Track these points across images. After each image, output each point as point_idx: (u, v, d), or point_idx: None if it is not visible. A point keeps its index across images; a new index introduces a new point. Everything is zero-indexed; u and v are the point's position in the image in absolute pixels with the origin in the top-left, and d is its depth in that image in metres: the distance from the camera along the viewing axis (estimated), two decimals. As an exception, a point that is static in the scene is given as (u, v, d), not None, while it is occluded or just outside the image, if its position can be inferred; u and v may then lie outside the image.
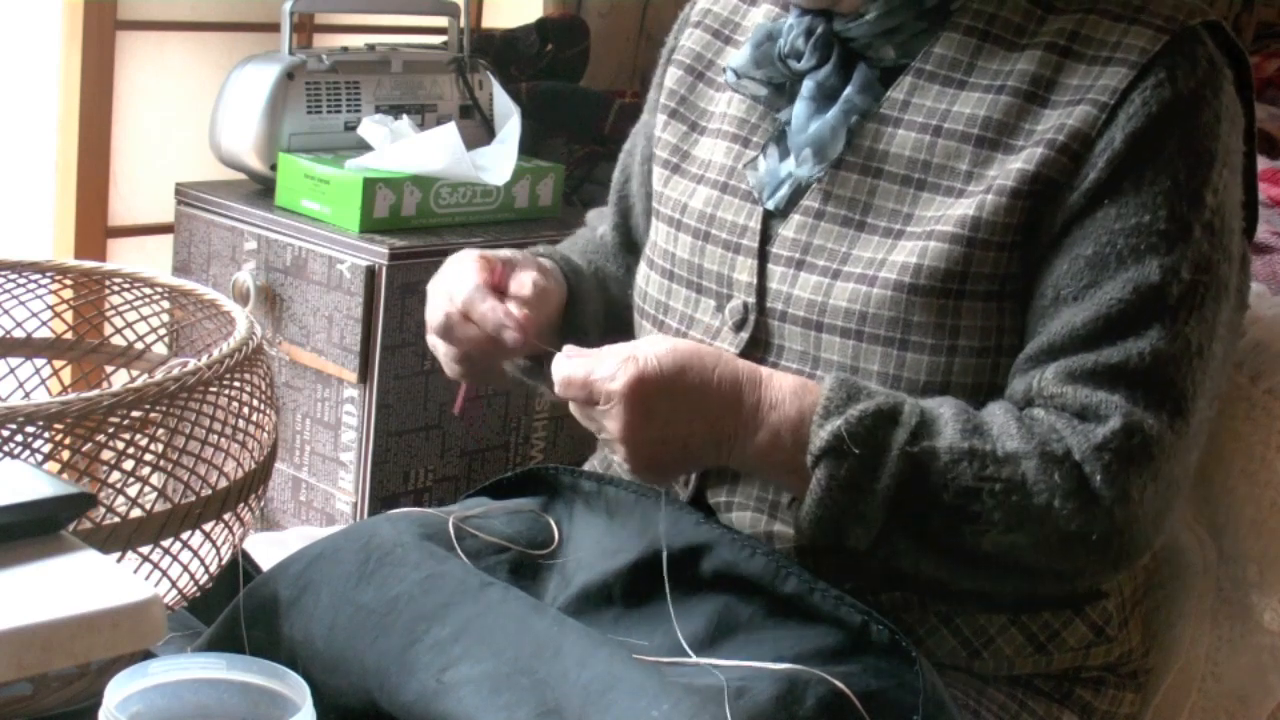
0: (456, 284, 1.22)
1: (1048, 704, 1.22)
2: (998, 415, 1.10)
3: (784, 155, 1.22)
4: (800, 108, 1.20)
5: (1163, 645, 1.34)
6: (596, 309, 1.37)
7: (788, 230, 1.20)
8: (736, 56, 1.25)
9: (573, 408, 1.12)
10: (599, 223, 1.52)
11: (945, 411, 1.10)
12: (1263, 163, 2.79)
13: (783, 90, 1.23)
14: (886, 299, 1.14)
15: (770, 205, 1.22)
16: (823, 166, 1.19)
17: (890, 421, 1.08)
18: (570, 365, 1.10)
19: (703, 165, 1.29)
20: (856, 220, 1.18)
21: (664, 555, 1.12)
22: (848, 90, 1.18)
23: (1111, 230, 1.11)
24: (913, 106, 1.17)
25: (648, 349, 1.09)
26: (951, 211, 1.14)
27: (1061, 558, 1.10)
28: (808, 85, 1.20)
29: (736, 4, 1.34)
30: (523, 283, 1.24)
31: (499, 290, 1.23)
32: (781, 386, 1.11)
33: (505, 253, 1.29)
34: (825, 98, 1.19)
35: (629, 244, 1.46)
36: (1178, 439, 1.10)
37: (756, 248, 1.21)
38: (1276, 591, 1.30)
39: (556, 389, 1.11)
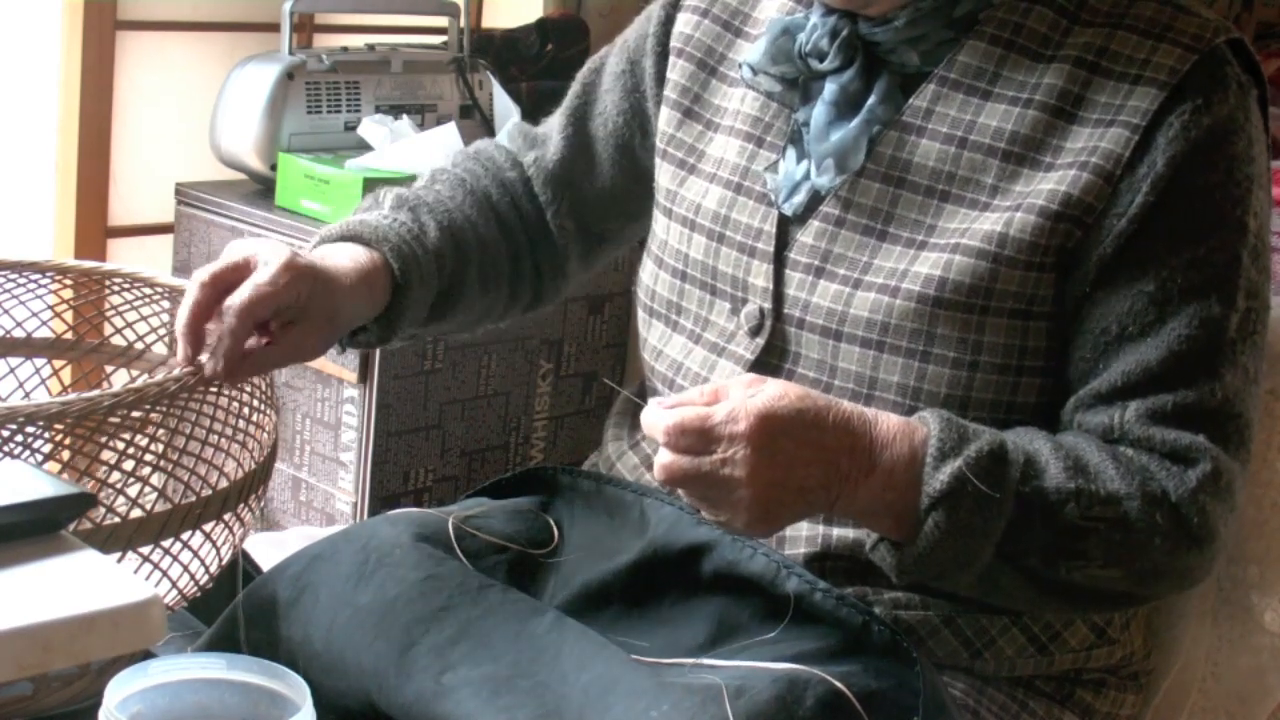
0: (182, 308, 1.10)
1: (1048, 705, 1.22)
2: (1092, 453, 1.10)
3: (800, 157, 1.21)
4: (820, 111, 1.19)
5: (1163, 646, 1.34)
6: (427, 280, 1.26)
7: (806, 236, 1.19)
8: (752, 51, 1.24)
9: (672, 464, 1.02)
10: (528, 148, 1.42)
11: (1042, 447, 1.09)
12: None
13: (796, 86, 1.22)
14: (910, 310, 1.13)
15: (788, 211, 1.20)
16: (844, 177, 1.18)
17: (1002, 462, 1.06)
18: (678, 414, 1.02)
19: (715, 164, 1.27)
20: (878, 229, 1.17)
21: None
22: (870, 100, 1.17)
23: (1170, 265, 1.11)
24: (936, 115, 1.16)
25: (760, 390, 1.03)
26: (977, 225, 1.13)
27: (1149, 587, 1.13)
28: (830, 88, 1.19)
29: None
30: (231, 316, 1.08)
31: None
32: (890, 425, 1.07)
33: (247, 253, 1.12)
34: (848, 104, 1.18)
35: (566, 181, 1.39)
36: (1244, 470, 1.14)
37: (772, 252, 1.20)
38: (1277, 592, 1.30)
39: (662, 440, 1.02)
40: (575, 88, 1.43)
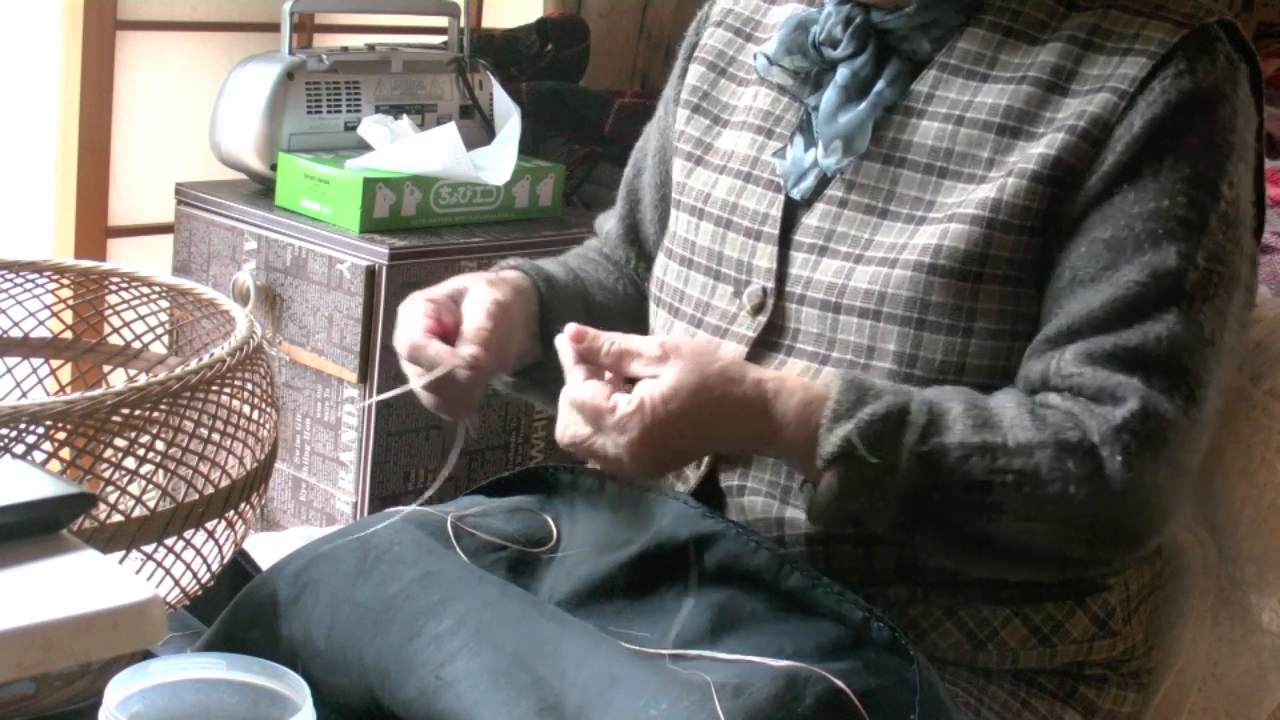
0: (403, 334, 1.22)
1: (1050, 702, 1.22)
2: (1009, 407, 1.11)
3: (809, 144, 1.23)
4: (830, 95, 1.21)
5: (1163, 645, 1.34)
6: (573, 318, 1.32)
7: (811, 219, 1.21)
8: (767, 44, 1.27)
9: (574, 427, 1.10)
10: (606, 223, 1.52)
11: (954, 406, 1.10)
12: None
13: (807, 81, 1.24)
14: (906, 279, 1.15)
15: (796, 195, 1.23)
16: (851, 159, 1.20)
17: (899, 423, 1.08)
18: (586, 392, 1.08)
19: (725, 156, 1.30)
20: (879, 208, 1.19)
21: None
22: (879, 84, 1.20)
23: (1130, 214, 1.12)
24: (936, 99, 1.19)
25: (659, 392, 1.07)
26: (973, 196, 1.15)
27: (1073, 543, 1.12)
28: (841, 73, 1.21)
29: (758, 3, 1.35)
30: (474, 313, 1.23)
31: (453, 326, 1.23)
32: (791, 401, 1.09)
33: (455, 283, 1.27)
34: (858, 88, 1.20)
35: (633, 237, 1.46)
36: (1190, 424, 1.12)
37: (777, 234, 1.22)
38: (1275, 591, 1.30)
39: (569, 404, 1.09)
40: (633, 153, 1.50)
